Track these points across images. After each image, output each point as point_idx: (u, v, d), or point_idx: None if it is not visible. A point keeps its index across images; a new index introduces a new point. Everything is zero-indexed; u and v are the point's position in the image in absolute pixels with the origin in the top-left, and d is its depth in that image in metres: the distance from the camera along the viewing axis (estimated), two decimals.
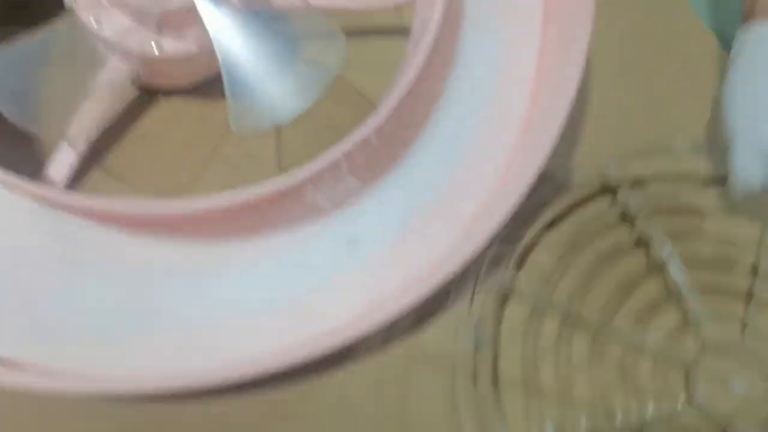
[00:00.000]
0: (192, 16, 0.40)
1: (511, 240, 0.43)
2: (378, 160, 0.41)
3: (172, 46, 0.40)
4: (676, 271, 0.44)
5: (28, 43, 0.38)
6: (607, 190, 0.46)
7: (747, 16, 0.44)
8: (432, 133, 0.43)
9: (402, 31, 0.49)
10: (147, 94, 0.48)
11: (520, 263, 0.44)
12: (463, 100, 0.44)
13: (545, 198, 0.45)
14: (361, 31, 0.52)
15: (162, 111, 0.49)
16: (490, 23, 0.45)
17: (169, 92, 0.50)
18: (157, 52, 0.40)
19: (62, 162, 0.40)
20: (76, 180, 0.42)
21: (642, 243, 0.45)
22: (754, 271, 0.45)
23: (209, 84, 0.49)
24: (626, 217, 0.46)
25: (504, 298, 0.43)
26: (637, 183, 0.47)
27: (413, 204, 0.41)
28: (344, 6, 0.47)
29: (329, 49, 0.40)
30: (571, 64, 0.41)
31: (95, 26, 0.40)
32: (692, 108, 0.52)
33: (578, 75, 0.41)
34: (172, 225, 0.38)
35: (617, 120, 0.52)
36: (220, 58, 0.39)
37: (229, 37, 0.40)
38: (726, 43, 0.52)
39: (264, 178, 0.36)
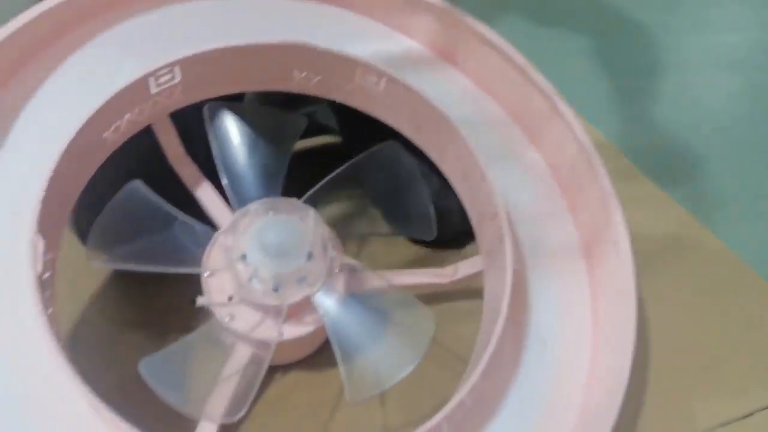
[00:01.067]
0: (307, 305, 0.48)
1: None
2: (472, 419, 0.46)
3: (293, 330, 0.49)
4: None
5: (181, 343, 0.47)
6: None
7: None
8: (517, 390, 0.49)
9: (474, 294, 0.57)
10: (268, 369, 0.55)
11: None
12: (537, 361, 0.49)
13: None
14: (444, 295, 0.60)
15: (281, 383, 0.56)
16: (547, 282, 0.52)
17: (287, 366, 0.58)
18: (280, 338, 0.48)
19: None
20: None
21: None
22: None
23: (318, 355, 0.57)
24: None
25: None
26: None
27: None
28: (422, 282, 0.55)
29: (421, 322, 0.48)
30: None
31: (227, 321, 0.49)
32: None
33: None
34: None
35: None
36: (330, 336, 0.47)
37: (336, 318, 0.48)
38: None
39: None
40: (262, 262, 0.46)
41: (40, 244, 0.42)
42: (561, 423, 0.47)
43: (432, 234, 0.50)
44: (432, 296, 0.48)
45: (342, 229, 0.54)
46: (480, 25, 0.54)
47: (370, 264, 0.53)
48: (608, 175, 0.51)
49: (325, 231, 0.48)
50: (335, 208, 0.51)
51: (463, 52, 0.57)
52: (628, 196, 0.52)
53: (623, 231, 0.49)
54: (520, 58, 0.54)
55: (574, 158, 0.52)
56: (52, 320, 0.42)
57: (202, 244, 0.49)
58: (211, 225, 0.52)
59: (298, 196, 0.50)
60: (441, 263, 0.57)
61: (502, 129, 0.57)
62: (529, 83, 0.53)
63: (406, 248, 0.66)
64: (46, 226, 0.43)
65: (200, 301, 0.51)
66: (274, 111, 0.55)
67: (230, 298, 0.49)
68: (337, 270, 0.50)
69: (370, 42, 0.56)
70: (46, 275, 0.43)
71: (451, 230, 0.61)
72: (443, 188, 0.57)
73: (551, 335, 0.50)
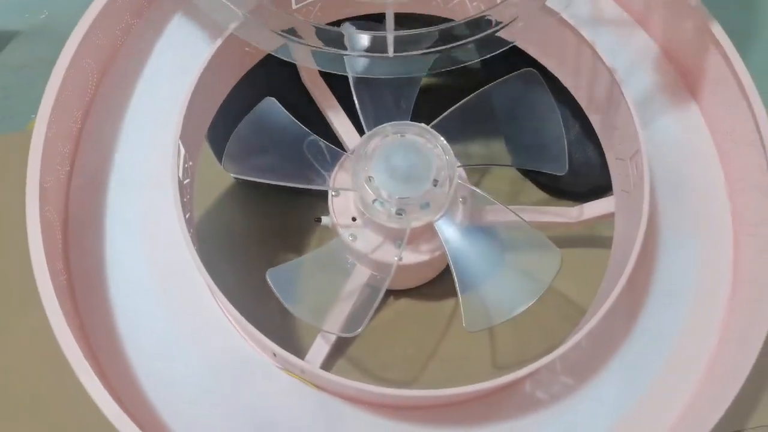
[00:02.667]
0: (429, 232, 0.48)
1: None
2: (589, 360, 0.45)
3: (410, 257, 0.49)
4: None
5: (306, 258, 0.49)
6: None
7: None
8: (638, 335, 0.47)
9: (603, 242, 0.55)
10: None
11: None
12: (663, 307, 0.47)
13: None
14: (565, 241, 0.58)
15: (394, 310, 0.57)
16: (686, 232, 0.49)
17: (399, 292, 0.58)
18: (399, 262, 0.48)
19: (318, 351, 0.48)
20: (326, 367, 0.50)
21: None
22: None
23: (431, 285, 0.58)
24: None
25: None
26: None
27: (625, 397, 0.44)
28: (545, 220, 0.54)
29: (545, 260, 0.46)
30: None
31: (350, 241, 0.50)
32: None
33: None
34: (406, 410, 0.44)
35: None
36: (451, 264, 0.47)
37: (457, 246, 0.48)
38: None
39: (480, 376, 0.41)
40: (387, 185, 0.46)
41: (183, 151, 0.44)
42: (679, 387, 0.45)
43: (564, 168, 0.48)
44: (554, 240, 0.47)
45: (470, 159, 0.53)
46: None
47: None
48: None
49: (452, 158, 0.47)
50: (465, 138, 0.50)
51: None
52: None
53: None
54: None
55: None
56: (189, 223, 0.44)
57: (331, 164, 0.50)
58: (341, 147, 0.52)
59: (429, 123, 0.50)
60: None
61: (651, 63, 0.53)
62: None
63: (533, 192, 0.64)
64: (188, 136, 0.45)
65: (325, 220, 0.52)
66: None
67: (354, 219, 0.50)
68: (461, 199, 0.50)
69: None
70: (186, 181, 0.46)
71: (585, 182, 0.59)
72: (583, 136, 0.55)
73: (682, 289, 0.48)
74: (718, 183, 0.50)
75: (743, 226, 0.49)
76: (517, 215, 0.48)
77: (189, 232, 0.42)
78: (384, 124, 0.48)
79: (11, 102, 1.08)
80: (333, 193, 0.50)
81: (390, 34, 0.39)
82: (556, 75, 0.52)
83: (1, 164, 0.78)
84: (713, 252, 0.48)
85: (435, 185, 0.46)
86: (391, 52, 0.40)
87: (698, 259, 0.48)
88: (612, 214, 0.52)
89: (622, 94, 0.47)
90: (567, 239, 0.60)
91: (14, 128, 1.00)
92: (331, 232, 0.51)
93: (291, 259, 0.48)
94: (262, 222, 0.63)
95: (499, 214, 0.51)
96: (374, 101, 0.51)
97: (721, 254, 0.48)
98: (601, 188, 0.57)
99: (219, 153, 0.57)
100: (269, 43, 0.42)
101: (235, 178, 0.62)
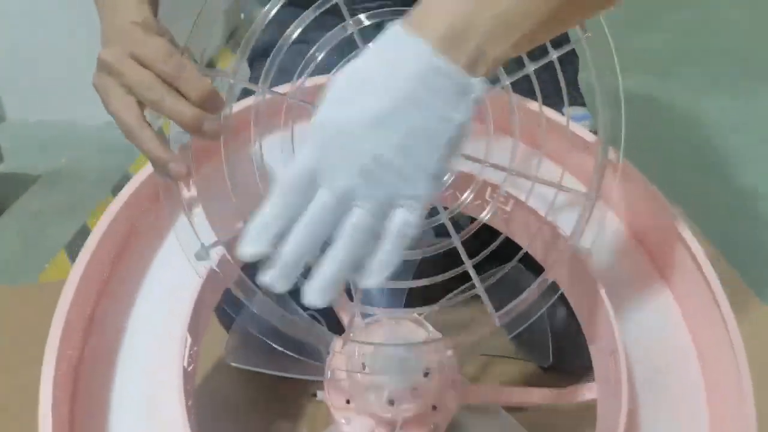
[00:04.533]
0: (421, 420, 0.51)
1: None
2: None
3: None
4: None
5: None
6: None
7: None
8: None
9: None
10: None
11: None
12: None
13: None
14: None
15: None
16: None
17: None
18: None
19: None
20: None
21: None
22: None
23: None
24: None
25: None
26: None
27: None
28: (542, 402, 0.56)
29: None
30: None
31: (343, 423, 0.51)
32: None
33: None
34: None
35: None
36: None
37: None
38: None
39: None
40: (379, 376, 0.48)
41: (189, 341, 0.47)
42: None
43: (547, 360, 0.51)
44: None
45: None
46: None
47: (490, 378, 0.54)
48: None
49: (443, 349, 0.50)
50: (456, 319, 0.53)
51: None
52: None
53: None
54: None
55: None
56: (190, 411, 0.46)
57: (326, 350, 0.53)
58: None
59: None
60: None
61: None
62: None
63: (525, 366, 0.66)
64: (195, 326, 0.48)
65: (320, 395, 0.54)
66: None
67: (348, 402, 0.52)
68: (451, 386, 0.52)
69: None
70: (191, 367, 0.48)
71: (574, 363, 0.61)
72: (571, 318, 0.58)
73: None
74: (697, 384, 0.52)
75: None
76: (510, 399, 0.51)
77: (189, 420, 0.45)
78: (378, 315, 0.52)
79: (26, 250, 1.12)
80: (328, 376, 0.53)
81: None
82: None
83: (13, 318, 0.80)
84: None
85: (426, 376, 0.49)
86: None
87: None
88: (595, 400, 0.54)
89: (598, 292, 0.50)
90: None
91: (27, 279, 1.03)
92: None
93: (286, 429, 0.50)
94: (258, 390, 0.65)
95: (491, 395, 0.53)
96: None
97: None
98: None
99: (222, 318, 0.60)
100: None
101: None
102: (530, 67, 0.45)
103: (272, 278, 0.32)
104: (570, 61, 0.74)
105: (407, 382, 0.48)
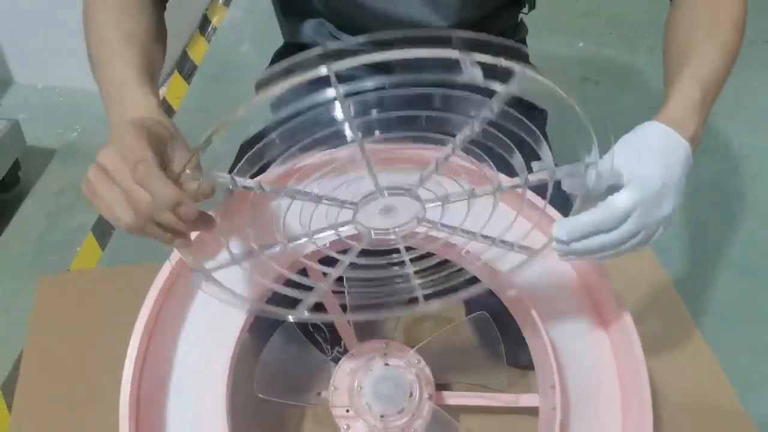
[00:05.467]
0: (407, 428, 0.66)
1: None
2: None
3: None
4: None
5: None
6: None
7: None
8: None
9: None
10: None
11: None
12: None
13: None
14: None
15: None
16: None
17: None
18: None
19: None
20: None
21: None
22: None
23: None
24: None
25: None
26: None
27: None
28: (489, 405, 0.71)
29: None
30: None
31: (345, 429, 0.67)
32: None
33: None
34: None
35: None
36: None
37: None
38: None
39: None
40: (373, 401, 0.64)
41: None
42: None
43: (504, 386, 0.66)
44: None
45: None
46: None
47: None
48: None
49: (425, 374, 0.65)
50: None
51: None
52: None
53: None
54: None
55: None
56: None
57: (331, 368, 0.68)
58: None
59: None
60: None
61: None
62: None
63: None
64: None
65: (324, 395, 0.69)
66: None
67: (347, 410, 0.68)
68: (427, 397, 0.67)
69: None
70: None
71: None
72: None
73: None
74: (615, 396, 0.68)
75: None
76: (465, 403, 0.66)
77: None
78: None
79: (56, 233, 1.23)
80: (332, 388, 0.68)
81: None
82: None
83: (48, 306, 0.89)
84: None
85: (410, 397, 0.64)
86: None
87: None
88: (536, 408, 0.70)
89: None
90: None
91: (59, 266, 1.14)
92: None
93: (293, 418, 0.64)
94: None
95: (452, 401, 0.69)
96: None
97: None
98: None
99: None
100: None
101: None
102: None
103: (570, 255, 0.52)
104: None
105: (396, 407, 0.64)
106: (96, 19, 0.60)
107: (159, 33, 0.63)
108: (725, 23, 0.62)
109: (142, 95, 0.53)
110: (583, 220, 0.51)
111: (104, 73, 0.56)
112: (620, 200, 0.51)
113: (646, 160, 0.53)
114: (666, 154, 0.54)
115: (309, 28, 0.82)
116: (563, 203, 0.56)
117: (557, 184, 0.51)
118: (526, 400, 0.71)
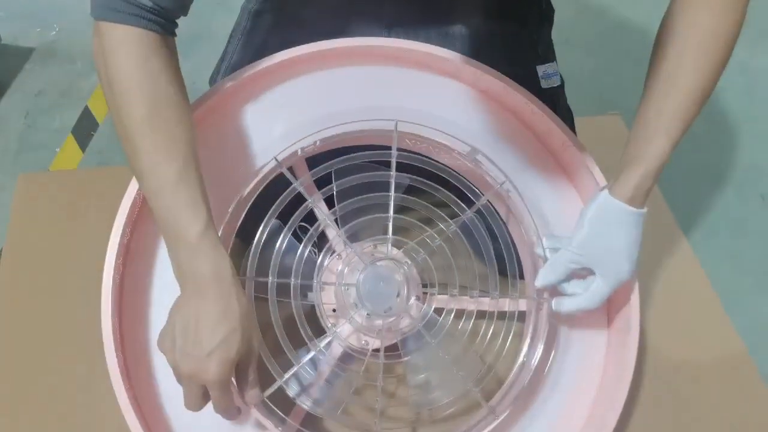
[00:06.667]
0: (393, 326, 0.66)
1: None
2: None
3: (376, 343, 0.66)
4: None
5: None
6: None
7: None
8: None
9: None
10: None
11: None
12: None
13: None
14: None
15: None
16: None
17: None
18: (366, 346, 0.65)
19: None
20: None
21: None
22: None
23: None
24: None
25: None
26: None
27: None
28: (475, 308, 0.71)
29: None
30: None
31: (330, 326, 0.66)
32: None
33: None
34: None
35: None
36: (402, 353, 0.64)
37: (409, 341, 0.65)
38: None
39: None
40: (360, 300, 0.63)
41: None
42: None
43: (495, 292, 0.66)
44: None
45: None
46: None
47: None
48: None
49: (414, 276, 0.64)
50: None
51: None
52: None
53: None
54: None
55: None
56: None
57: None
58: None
59: None
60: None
61: None
62: None
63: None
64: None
65: (310, 297, 0.69)
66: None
67: (334, 310, 0.67)
68: (414, 299, 0.67)
69: None
70: None
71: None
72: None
73: (568, 378, 0.67)
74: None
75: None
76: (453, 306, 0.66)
77: None
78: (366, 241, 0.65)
79: (35, 132, 1.20)
80: (319, 286, 0.67)
81: None
82: None
83: (28, 206, 0.86)
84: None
85: (397, 296, 0.63)
86: None
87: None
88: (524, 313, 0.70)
89: None
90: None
91: (38, 165, 1.12)
92: None
93: None
94: None
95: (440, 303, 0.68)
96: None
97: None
98: None
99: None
100: None
101: None
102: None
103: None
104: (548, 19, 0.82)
105: (383, 306, 0.63)
106: (128, 112, 0.53)
107: (185, 95, 0.57)
108: (717, 42, 0.58)
109: (219, 257, 0.55)
110: (575, 304, 0.63)
111: (157, 203, 0.55)
112: (601, 293, 0.62)
113: (616, 248, 0.61)
114: (629, 234, 0.61)
115: None
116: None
117: None
118: (514, 305, 0.71)
